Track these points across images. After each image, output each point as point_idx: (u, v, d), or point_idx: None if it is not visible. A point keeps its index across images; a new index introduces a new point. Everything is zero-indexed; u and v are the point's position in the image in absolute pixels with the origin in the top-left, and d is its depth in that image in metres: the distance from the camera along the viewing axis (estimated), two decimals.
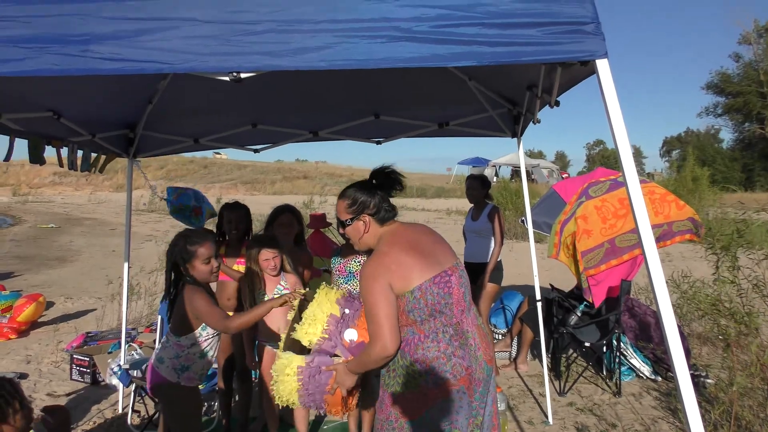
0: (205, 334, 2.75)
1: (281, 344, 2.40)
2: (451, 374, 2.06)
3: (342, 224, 2.29)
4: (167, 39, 1.64)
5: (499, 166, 33.59)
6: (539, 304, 4.26)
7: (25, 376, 5.10)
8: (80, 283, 9.83)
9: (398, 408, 2.11)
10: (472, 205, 5.29)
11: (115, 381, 4.43)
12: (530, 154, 54.79)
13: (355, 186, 2.31)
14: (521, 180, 4.46)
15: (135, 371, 3.91)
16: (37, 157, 3.45)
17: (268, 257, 3.40)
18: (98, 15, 1.63)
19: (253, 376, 4.09)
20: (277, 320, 3.38)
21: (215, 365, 3.75)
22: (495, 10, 1.67)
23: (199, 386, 2.91)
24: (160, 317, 4.32)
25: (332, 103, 4.03)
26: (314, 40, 1.66)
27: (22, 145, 3.38)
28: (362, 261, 3.28)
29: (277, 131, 4.40)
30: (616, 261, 5.11)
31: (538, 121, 3.17)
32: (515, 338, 5.53)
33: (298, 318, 2.45)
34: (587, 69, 1.84)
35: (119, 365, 4.28)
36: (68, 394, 4.70)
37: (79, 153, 3.87)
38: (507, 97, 3.86)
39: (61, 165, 3.75)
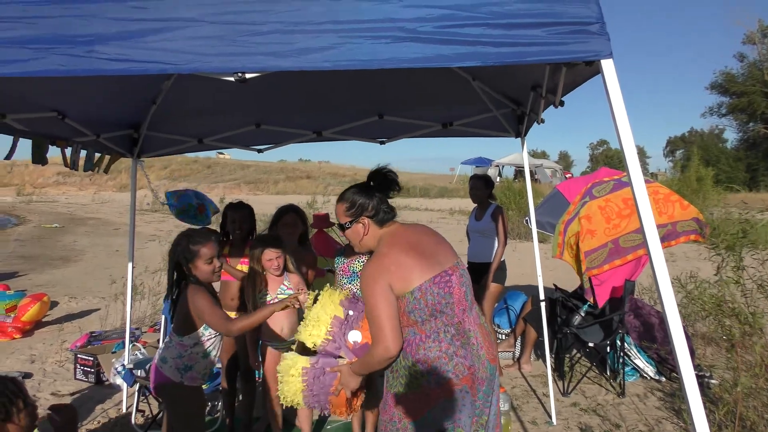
0: (207, 334, 2.75)
1: (294, 347, 2.40)
2: (453, 374, 2.06)
3: (342, 227, 2.29)
4: (172, 39, 1.65)
5: (503, 166, 33.55)
6: (543, 304, 4.25)
7: (30, 376, 5.11)
8: (84, 282, 9.85)
9: (401, 408, 2.11)
10: (476, 205, 5.29)
11: (119, 381, 4.43)
12: (533, 154, 54.52)
13: (353, 188, 2.31)
14: (524, 180, 4.45)
15: (139, 371, 3.91)
16: (39, 157, 3.46)
17: (271, 257, 3.40)
18: (103, 16, 1.64)
19: (257, 375, 4.09)
20: (280, 321, 3.38)
21: (218, 365, 3.75)
22: (499, 10, 1.66)
23: (203, 386, 2.92)
24: (163, 317, 4.33)
25: (336, 103, 4.03)
26: (318, 40, 1.66)
27: (26, 145, 3.39)
28: (366, 261, 3.28)
29: (281, 131, 4.41)
30: (620, 261, 5.10)
31: (542, 121, 3.16)
32: (519, 338, 5.53)
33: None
34: (592, 69, 1.83)
35: (123, 365, 4.29)
36: (72, 394, 4.72)
37: (83, 153, 3.88)
38: (511, 97, 3.85)
39: (66, 165, 3.77)
